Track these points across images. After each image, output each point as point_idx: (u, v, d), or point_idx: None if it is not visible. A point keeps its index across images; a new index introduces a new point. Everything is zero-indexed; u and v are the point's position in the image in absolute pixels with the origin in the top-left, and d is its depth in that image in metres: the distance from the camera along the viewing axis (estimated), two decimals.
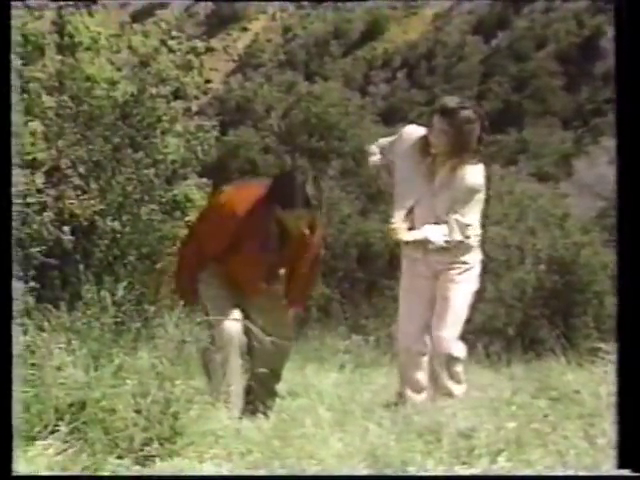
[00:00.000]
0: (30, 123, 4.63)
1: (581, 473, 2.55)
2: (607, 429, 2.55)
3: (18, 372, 2.91)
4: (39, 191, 4.40)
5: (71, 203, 4.65)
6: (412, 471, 2.65)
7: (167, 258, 4.93)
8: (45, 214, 4.45)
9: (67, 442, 2.68)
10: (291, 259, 3.61)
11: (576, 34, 30.01)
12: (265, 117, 24.55)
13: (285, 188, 3.40)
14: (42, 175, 4.57)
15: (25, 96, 4.78)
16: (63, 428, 2.70)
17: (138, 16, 38.54)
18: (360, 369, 4.78)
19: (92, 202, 4.73)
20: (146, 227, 4.91)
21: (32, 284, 3.86)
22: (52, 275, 4.35)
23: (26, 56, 4.99)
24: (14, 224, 4.04)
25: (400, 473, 2.63)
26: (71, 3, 5.17)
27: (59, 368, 2.95)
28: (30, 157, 4.47)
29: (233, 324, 3.46)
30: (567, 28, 30.50)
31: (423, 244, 3.68)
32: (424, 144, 3.67)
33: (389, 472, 2.67)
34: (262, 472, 2.69)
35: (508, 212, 8.55)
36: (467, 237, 3.68)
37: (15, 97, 4.62)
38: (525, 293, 7.73)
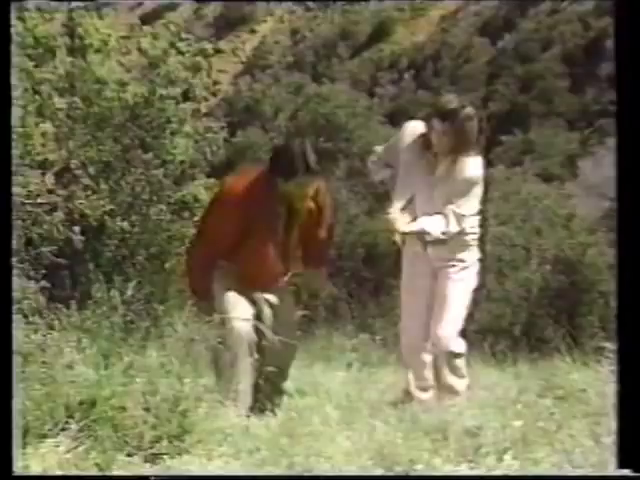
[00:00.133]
0: (41, 124, 4.66)
1: (581, 473, 2.55)
2: (613, 428, 2.55)
3: (29, 370, 2.94)
4: (50, 191, 4.43)
5: (81, 203, 4.67)
6: (419, 469, 2.66)
7: (176, 258, 4.96)
8: (55, 214, 4.47)
9: (77, 439, 2.70)
10: (303, 235, 3.59)
11: (582, 36, 29.93)
12: (273, 118, 24.59)
13: (284, 158, 3.42)
14: (53, 176, 4.60)
15: (36, 97, 4.82)
16: (73, 426, 2.72)
17: (147, 18, 38.66)
18: (367, 368, 4.78)
19: (102, 202, 4.76)
20: (155, 227, 4.93)
21: (43, 283, 3.88)
22: (62, 274, 4.38)
23: (37, 58, 5.04)
24: (25, 224, 4.09)
25: (406, 471, 2.63)
26: (81, 5, 5.21)
27: (69, 366, 2.97)
28: (41, 158, 4.50)
29: (244, 324, 3.46)
30: (573, 30, 30.42)
31: (421, 237, 3.69)
32: (425, 139, 3.69)
33: (397, 469, 2.68)
34: (270, 469, 2.71)
35: (514, 212, 8.55)
36: (464, 229, 3.69)
37: (26, 99, 4.68)
38: (531, 293, 7.72)
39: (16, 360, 2.94)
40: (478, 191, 3.72)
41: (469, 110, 3.61)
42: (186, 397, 2.91)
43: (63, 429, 2.73)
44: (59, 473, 2.62)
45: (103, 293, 3.58)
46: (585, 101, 27.64)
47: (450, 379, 3.70)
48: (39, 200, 4.23)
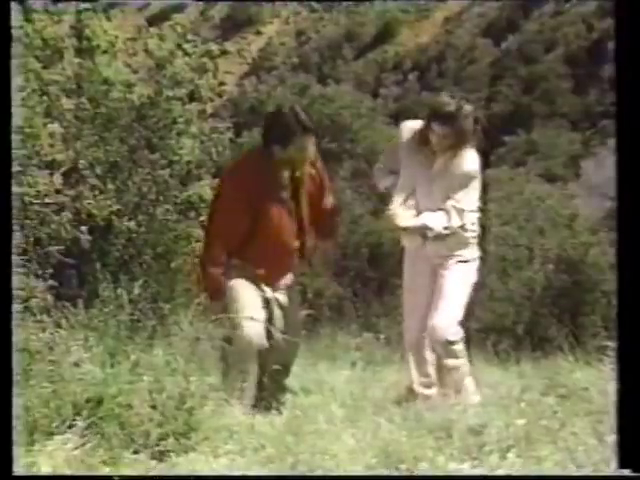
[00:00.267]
0: (49, 125, 4.69)
1: (583, 472, 2.56)
2: (615, 426, 2.55)
3: (37, 368, 2.97)
4: (57, 191, 4.45)
5: (88, 203, 4.69)
6: (423, 466, 2.67)
7: (182, 257, 4.97)
8: (63, 214, 4.49)
9: (84, 437, 2.72)
10: (310, 203, 3.59)
11: (585, 37, 29.88)
12: None
13: (279, 124, 3.43)
14: (60, 176, 4.62)
15: (44, 98, 4.84)
16: (81, 423, 2.75)
17: (154, 20, 38.71)
18: (372, 366, 4.79)
19: (109, 202, 4.77)
20: (161, 227, 4.94)
21: (50, 282, 3.90)
22: (70, 273, 4.40)
23: (45, 59, 5.07)
24: (33, 223, 4.12)
25: (410, 470, 2.64)
26: (89, 7, 5.24)
27: (77, 364, 2.99)
28: (49, 158, 4.52)
29: (255, 327, 3.45)
30: (576, 31, 30.37)
31: (422, 233, 3.70)
32: (422, 136, 3.71)
33: (401, 467, 2.69)
34: (275, 466, 2.72)
35: (517, 212, 8.56)
36: (465, 224, 3.71)
37: (34, 100, 4.72)
38: (534, 292, 7.73)
39: (24, 358, 2.97)
40: (476, 185, 3.74)
41: (467, 108, 3.64)
42: (192, 395, 2.93)
43: (70, 426, 2.75)
44: (66, 470, 2.64)
45: (110, 292, 3.60)
46: (588, 102, 27.59)
47: (452, 371, 3.69)
48: (47, 200, 4.25)
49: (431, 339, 3.73)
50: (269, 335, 3.50)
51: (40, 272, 3.91)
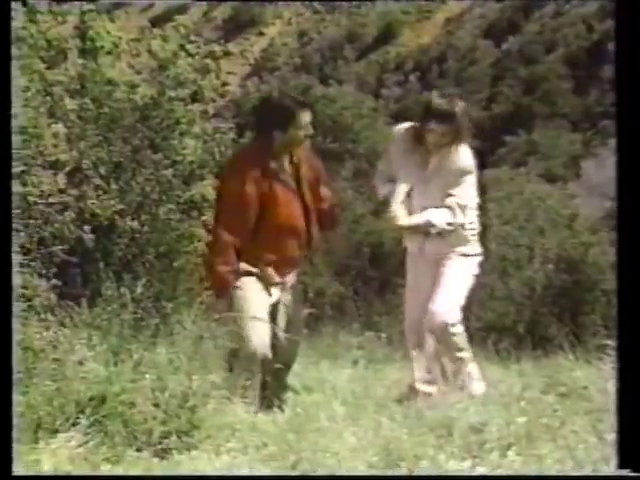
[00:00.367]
0: (53, 125, 4.71)
1: (583, 471, 2.57)
2: (615, 424, 2.57)
3: (41, 366, 2.99)
4: (61, 191, 4.46)
5: (92, 203, 4.71)
6: (424, 464, 2.68)
7: (185, 256, 4.99)
8: (67, 214, 4.50)
9: (88, 435, 2.73)
10: (309, 189, 3.60)
11: (585, 38, 29.86)
12: None
13: (276, 107, 3.46)
14: (64, 176, 4.63)
15: (48, 99, 4.87)
16: (84, 421, 2.76)
17: (157, 21, 38.80)
18: (373, 365, 4.80)
19: (112, 202, 4.78)
20: (164, 226, 4.95)
21: (54, 281, 3.91)
22: (73, 273, 4.42)
23: (49, 60, 5.10)
24: (37, 223, 4.15)
25: (411, 470, 2.65)
26: (93, 8, 5.26)
27: (80, 363, 3.01)
28: (53, 158, 4.54)
29: (259, 337, 3.43)
30: (576, 32, 30.35)
31: (425, 230, 3.70)
32: (416, 135, 3.73)
33: (402, 465, 2.70)
34: (277, 464, 2.74)
35: (518, 212, 8.57)
36: (467, 220, 3.72)
37: (39, 100, 4.74)
38: (534, 291, 7.74)
39: (28, 356, 2.99)
40: (473, 180, 3.76)
41: (462, 105, 3.67)
42: (194, 393, 2.94)
43: (74, 424, 2.76)
44: (70, 467, 2.66)
45: (113, 291, 3.61)
46: (588, 103, 27.57)
47: (454, 364, 3.68)
48: (51, 200, 4.27)
49: (430, 325, 3.70)
50: (273, 335, 3.50)
51: (44, 271, 3.93)
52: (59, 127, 4.76)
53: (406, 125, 3.85)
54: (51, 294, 3.79)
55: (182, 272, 4.97)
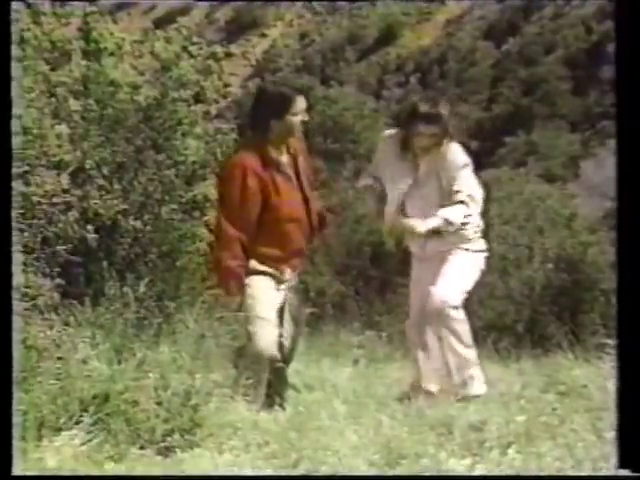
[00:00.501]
0: (56, 126, 4.72)
1: (583, 471, 2.58)
2: (614, 423, 2.58)
3: (45, 365, 3.01)
4: (65, 191, 4.47)
5: (95, 203, 4.71)
6: (424, 462, 2.69)
7: (187, 256, 5.00)
8: (70, 213, 4.51)
9: (91, 433, 2.75)
10: (308, 178, 3.61)
11: (584, 39, 29.83)
12: None
13: (272, 96, 3.46)
14: (67, 176, 4.64)
15: (52, 100, 4.89)
16: (87, 419, 2.78)
17: (160, 23, 38.79)
18: (374, 364, 4.83)
19: (115, 202, 4.79)
20: (167, 226, 4.96)
21: (58, 281, 3.92)
22: (77, 272, 4.43)
23: (53, 61, 5.12)
24: (41, 223, 4.17)
25: (411, 471, 2.66)
26: (96, 9, 5.29)
27: (84, 361, 3.03)
28: (56, 159, 4.55)
29: (267, 337, 3.41)
30: (575, 34, 30.33)
31: (444, 230, 3.67)
32: (403, 141, 3.75)
33: (402, 463, 2.71)
34: (278, 462, 2.75)
35: (517, 212, 8.57)
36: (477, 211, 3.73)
37: (42, 101, 4.76)
38: (534, 291, 7.74)
39: (31, 355, 3.01)
40: (470, 172, 3.76)
41: (446, 105, 3.69)
42: (197, 392, 2.96)
43: (77, 422, 2.78)
44: (74, 465, 2.67)
45: (116, 290, 3.63)
46: (587, 103, 27.55)
47: (457, 357, 3.64)
48: (54, 200, 4.28)
49: (430, 308, 3.68)
50: (280, 335, 3.48)
51: (47, 271, 3.94)
52: (63, 128, 4.77)
53: (392, 131, 3.86)
54: (54, 293, 3.81)
55: (184, 271, 4.98)
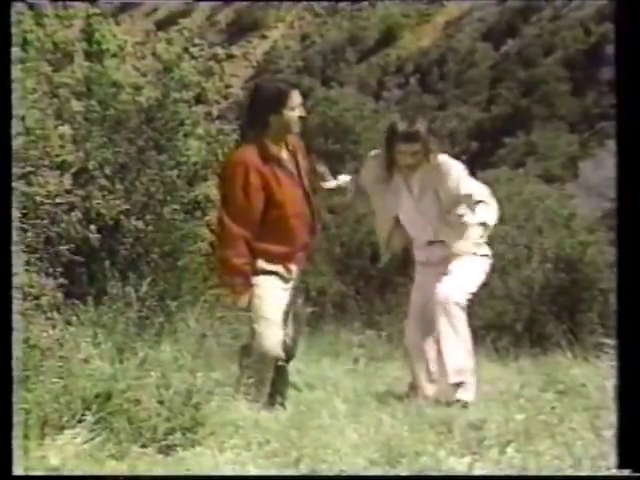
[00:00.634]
0: (59, 127, 4.74)
1: (582, 471, 2.59)
2: (612, 421, 2.60)
3: (47, 364, 3.02)
4: (67, 192, 4.48)
5: (98, 203, 4.74)
6: (424, 461, 2.70)
7: (189, 255, 5.02)
8: (73, 214, 4.53)
9: (94, 431, 2.76)
10: (308, 174, 3.62)
11: (583, 41, 29.80)
12: None
13: (269, 91, 3.48)
14: (70, 176, 4.66)
15: (55, 101, 4.92)
16: (90, 418, 2.79)
17: (162, 24, 38.90)
18: (374, 362, 4.84)
19: (118, 202, 4.82)
20: (169, 226, 4.98)
21: (60, 280, 3.93)
22: (79, 272, 4.45)
23: (56, 63, 5.16)
24: (44, 223, 4.19)
25: (412, 470, 2.67)
26: (98, 11, 5.32)
27: (86, 360, 3.03)
28: (59, 159, 4.58)
29: (272, 337, 3.41)
30: (574, 35, 30.31)
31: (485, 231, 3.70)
32: (387, 162, 3.78)
33: (402, 461, 2.72)
34: (279, 461, 2.76)
35: (517, 212, 8.56)
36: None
37: (45, 102, 4.79)
38: (533, 290, 7.76)
39: (34, 354, 3.02)
40: (465, 175, 3.78)
41: (424, 122, 3.73)
42: (198, 390, 2.96)
43: (80, 421, 2.79)
44: (76, 463, 2.68)
45: (118, 290, 3.64)
46: (586, 104, 27.52)
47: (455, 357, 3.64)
48: (57, 200, 4.29)
49: (434, 305, 3.69)
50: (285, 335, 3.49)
51: (50, 270, 3.95)
52: (65, 128, 4.80)
53: (377, 152, 3.88)
54: (57, 293, 3.82)
55: (186, 271, 5.00)
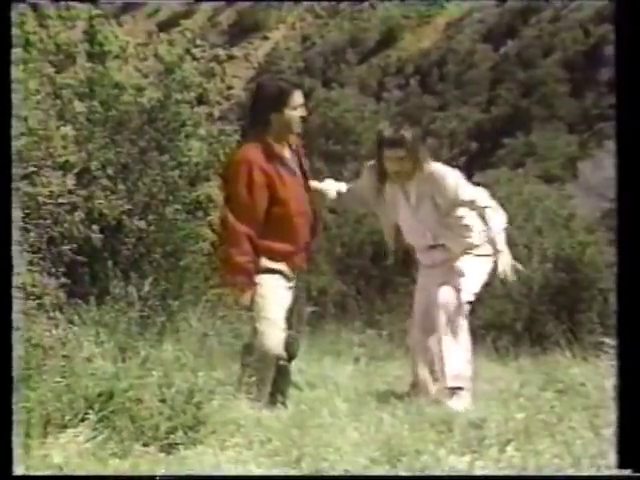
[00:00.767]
0: (62, 127, 4.76)
1: (582, 471, 2.60)
2: (611, 420, 2.61)
3: (50, 363, 3.04)
4: (70, 192, 4.49)
5: (100, 203, 4.76)
6: (425, 460, 2.72)
7: (191, 255, 5.04)
8: (76, 214, 4.54)
9: (96, 430, 2.78)
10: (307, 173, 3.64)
11: (582, 42, 29.80)
12: None
13: (270, 90, 3.48)
14: (73, 177, 4.67)
15: (57, 102, 4.93)
16: (92, 417, 2.81)
17: (164, 26, 38.89)
18: (374, 362, 4.84)
19: (120, 202, 4.83)
20: (170, 226, 4.99)
21: (63, 280, 3.94)
22: (82, 272, 4.46)
23: (58, 64, 5.18)
24: (46, 223, 4.21)
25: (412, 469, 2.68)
26: (101, 12, 5.34)
27: (88, 360, 3.05)
28: (62, 160, 4.59)
29: (274, 336, 3.41)
30: (573, 37, 30.31)
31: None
32: (378, 171, 3.78)
33: (403, 460, 2.73)
34: (280, 459, 2.78)
35: (516, 212, 8.56)
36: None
37: (48, 103, 4.81)
38: (532, 290, 7.76)
39: (37, 353, 3.04)
40: (462, 181, 3.79)
41: (411, 129, 3.73)
42: (200, 389, 2.97)
43: (82, 420, 2.81)
44: (78, 462, 2.70)
45: (121, 289, 3.66)
46: (585, 105, 27.51)
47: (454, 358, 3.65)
48: (60, 200, 4.31)
49: (438, 303, 3.70)
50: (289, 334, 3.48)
51: (53, 270, 3.96)
52: (68, 129, 4.81)
53: (371, 163, 3.87)
54: (60, 292, 3.84)
55: (188, 271, 5.01)
